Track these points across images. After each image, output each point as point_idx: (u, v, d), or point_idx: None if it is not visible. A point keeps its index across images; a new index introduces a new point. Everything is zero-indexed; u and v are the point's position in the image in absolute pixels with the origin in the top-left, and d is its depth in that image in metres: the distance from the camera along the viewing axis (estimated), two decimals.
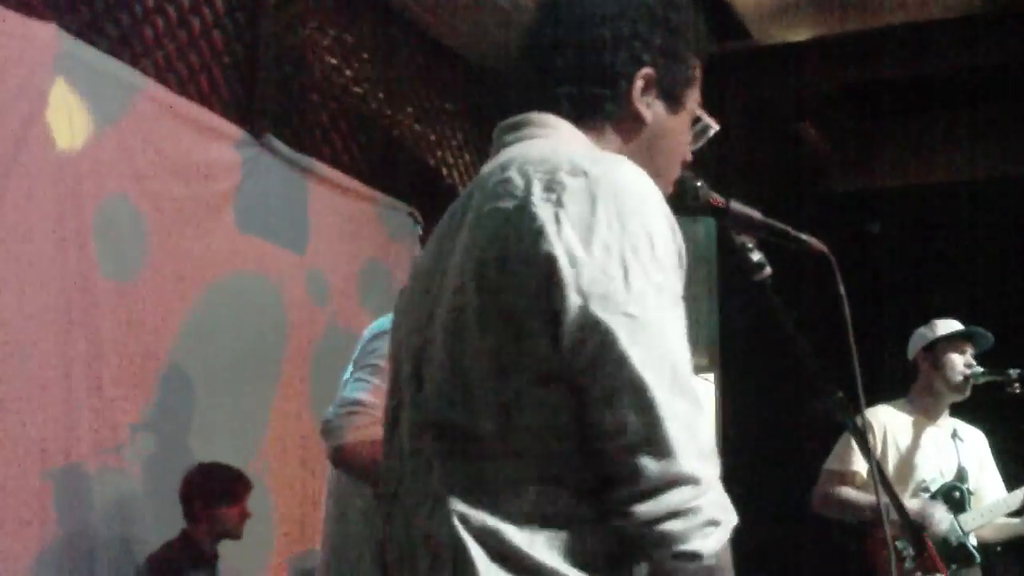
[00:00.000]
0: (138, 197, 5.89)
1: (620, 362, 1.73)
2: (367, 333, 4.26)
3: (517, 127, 2.09)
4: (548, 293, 1.77)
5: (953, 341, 5.86)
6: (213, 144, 6.41)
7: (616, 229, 1.78)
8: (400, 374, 2.07)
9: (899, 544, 5.36)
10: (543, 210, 1.81)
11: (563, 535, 1.79)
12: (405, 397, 2.03)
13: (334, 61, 7.62)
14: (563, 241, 1.77)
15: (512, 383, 1.81)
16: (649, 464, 1.72)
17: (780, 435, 8.49)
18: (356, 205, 7.57)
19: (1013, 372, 5.74)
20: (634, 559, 1.79)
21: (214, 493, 5.68)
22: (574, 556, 1.79)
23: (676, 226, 1.87)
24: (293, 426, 6.84)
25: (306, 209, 7.14)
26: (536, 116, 2.08)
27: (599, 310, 1.74)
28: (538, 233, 1.79)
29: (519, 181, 1.87)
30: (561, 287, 1.76)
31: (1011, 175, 8.92)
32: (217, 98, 6.61)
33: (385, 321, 4.19)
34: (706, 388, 9.96)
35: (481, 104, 8.87)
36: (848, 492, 5.66)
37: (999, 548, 5.79)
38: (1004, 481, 5.95)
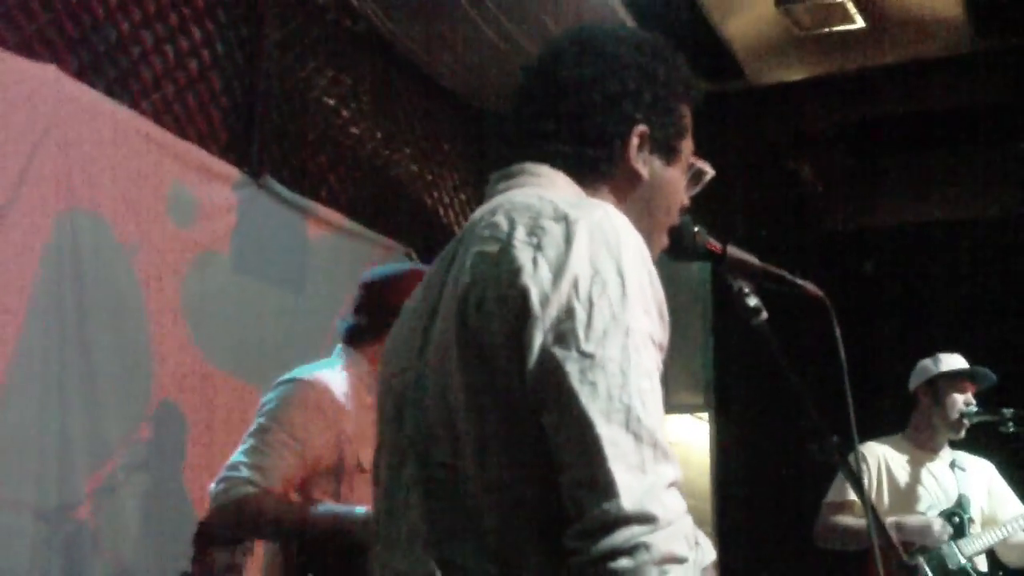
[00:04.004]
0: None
1: (569, 399, 1.76)
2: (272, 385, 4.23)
3: (512, 175, 2.12)
4: (519, 331, 1.81)
5: (956, 379, 5.87)
6: (210, 185, 6.42)
7: (587, 269, 1.81)
8: (384, 415, 2.11)
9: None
10: (523, 253, 1.85)
11: (533, 573, 1.82)
12: (386, 437, 2.08)
13: (332, 102, 7.65)
14: (537, 281, 1.81)
15: (487, 420, 1.85)
16: (592, 503, 1.73)
17: (774, 475, 8.48)
18: (353, 245, 7.58)
19: (1007, 412, 5.76)
20: None
21: (209, 535, 5.72)
22: None
23: (656, 277, 1.90)
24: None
25: (304, 250, 7.14)
26: (531, 166, 2.11)
27: (556, 348, 1.78)
28: (516, 274, 1.83)
29: (504, 226, 1.91)
30: (530, 325, 1.80)
31: (1007, 215, 8.94)
32: (215, 139, 6.63)
33: (285, 375, 4.16)
34: (700, 427, 9.98)
35: (478, 144, 8.90)
36: (847, 520, 5.67)
37: (1001, 573, 5.80)
38: None
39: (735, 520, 8.93)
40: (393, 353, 2.14)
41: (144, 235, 5.98)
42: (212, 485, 3.96)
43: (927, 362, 5.99)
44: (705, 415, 9.67)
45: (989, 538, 5.72)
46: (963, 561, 5.62)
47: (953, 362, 5.93)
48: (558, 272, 1.81)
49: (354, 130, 7.85)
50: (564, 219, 1.87)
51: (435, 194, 8.67)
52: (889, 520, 5.55)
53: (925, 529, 5.58)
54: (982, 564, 5.73)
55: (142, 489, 5.92)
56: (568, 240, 1.84)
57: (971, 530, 5.72)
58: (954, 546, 5.64)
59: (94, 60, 5.85)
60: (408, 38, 8.01)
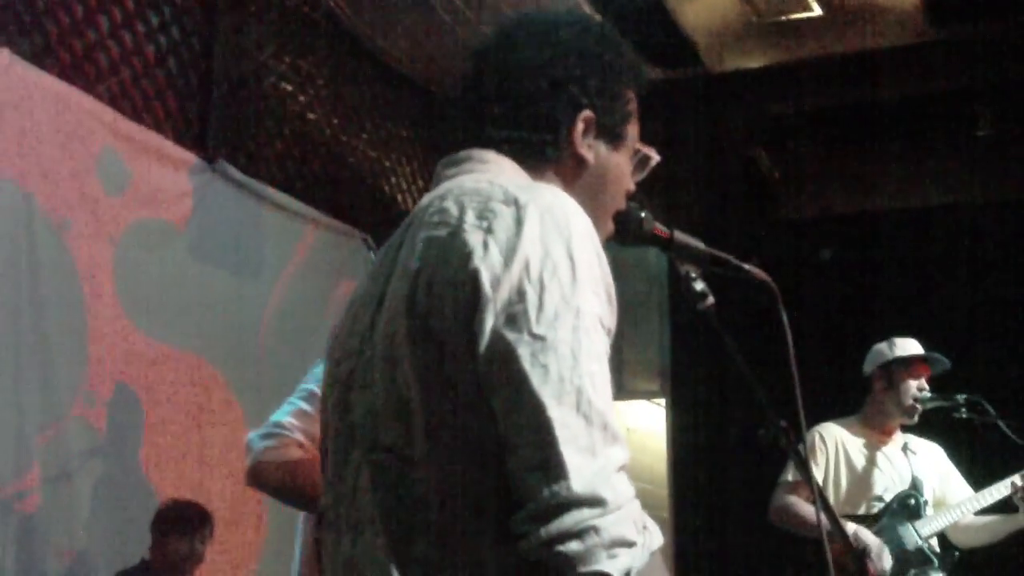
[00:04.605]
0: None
1: (520, 382, 1.75)
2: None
3: (458, 162, 2.11)
4: (470, 314, 1.80)
5: (910, 364, 5.87)
6: (166, 170, 6.39)
7: (538, 252, 1.81)
8: (329, 402, 2.09)
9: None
10: (473, 236, 1.84)
11: (482, 560, 1.81)
12: (332, 425, 2.06)
13: (288, 87, 7.62)
14: (488, 263, 1.80)
15: (438, 404, 1.84)
16: (542, 485, 1.72)
17: (731, 459, 8.52)
18: (310, 231, 7.56)
19: (960, 397, 5.78)
20: None
21: (167, 522, 5.73)
22: None
23: (605, 261, 1.90)
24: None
25: (260, 235, 7.12)
26: (478, 152, 2.10)
27: (507, 330, 1.77)
28: (467, 257, 1.82)
29: (454, 210, 1.90)
30: (481, 308, 1.79)
31: (963, 202, 9.00)
32: (171, 124, 6.60)
33: None
34: (657, 413, 10.02)
35: (435, 131, 8.89)
36: (802, 507, 5.68)
37: (957, 554, 5.83)
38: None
39: (692, 505, 8.96)
40: (338, 340, 2.12)
41: (80, 211, 5.95)
42: (252, 436, 3.97)
43: (882, 346, 6.00)
44: (662, 401, 9.70)
45: (944, 520, 5.76)
46: (919, 542, 5.66)
47: (908, 347, 5.94)
48: (509, 255, 1.81)
49: (311, 116, 7.84)
50: (514, 202, 1.87)
51: (393, 180, 8.66)
52: (850, 526, 5.56)
53: (878, 551, 5.60)
54: (935, 545, 5.77)
55: (97, 476, 5.90)
56: (519, 223, 1.84)
57: (926, 512, 5.76)
58: (911, 527, 5.68)
59: (48, 44, 5.82)
60: (367, 25, 8.00)
